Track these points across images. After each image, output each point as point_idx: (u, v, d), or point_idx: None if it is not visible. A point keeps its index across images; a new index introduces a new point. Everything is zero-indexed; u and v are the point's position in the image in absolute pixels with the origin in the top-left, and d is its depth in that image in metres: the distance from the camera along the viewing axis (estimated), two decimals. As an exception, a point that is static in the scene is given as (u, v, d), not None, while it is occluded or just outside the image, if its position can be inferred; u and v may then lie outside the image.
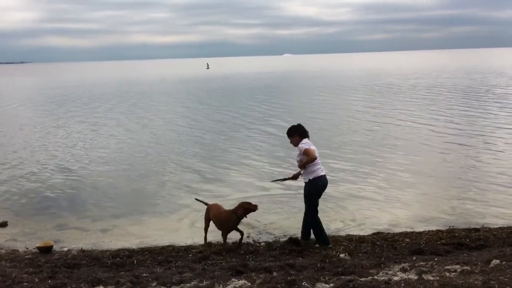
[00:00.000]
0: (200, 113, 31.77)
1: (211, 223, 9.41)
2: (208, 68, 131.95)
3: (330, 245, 8.87)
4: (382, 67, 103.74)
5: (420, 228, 10.14)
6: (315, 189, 8.84)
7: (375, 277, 6.99)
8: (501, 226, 10.07)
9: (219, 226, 9.19)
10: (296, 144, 8.94)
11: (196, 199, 10.63)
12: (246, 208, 8.91)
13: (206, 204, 9.85)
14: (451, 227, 10.10)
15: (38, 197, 13.52)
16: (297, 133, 8.95)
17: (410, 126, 23.27)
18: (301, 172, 8.97)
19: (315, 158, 8.65)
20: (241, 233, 9.17)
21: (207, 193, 13.28)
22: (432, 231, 9.84)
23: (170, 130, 25.01)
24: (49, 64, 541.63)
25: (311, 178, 8.76)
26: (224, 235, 9.11)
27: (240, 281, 6.96)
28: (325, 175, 8.91)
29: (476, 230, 9.79)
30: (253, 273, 7.39)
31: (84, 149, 20.17)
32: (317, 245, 8.94)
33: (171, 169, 16.29)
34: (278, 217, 11.23)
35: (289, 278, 6.96)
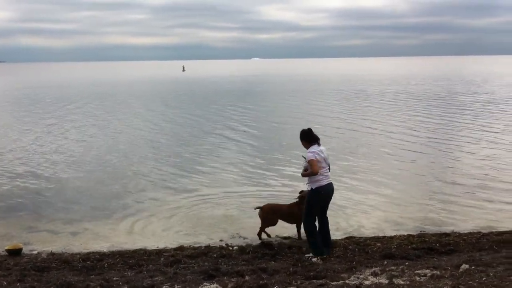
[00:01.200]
0: (168, 117, 31.57)
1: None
2: (184, 70, 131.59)
3: (325, 255, 8.66)
4: (356, 73, 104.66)
5: (391, 232, 10.24)
6: (316, 198, 8.63)
7: (347, 281, 7.02)
8: (471, 231, 10.22)
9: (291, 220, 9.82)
10: (306, 148, 8.77)
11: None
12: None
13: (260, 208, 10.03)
14: (422, 232, 10.22)
15: (7, 200, 13.28)
16: (304, 138, 8.76)
17: (377, 132, 23.45)
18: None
19: (317, 173, 8.42)
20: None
21: (176, 195, 13.28)
22: (403, 235, 9.94)
23: (136, 133, 24.76)
24: (24, 64, 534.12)
25: (313, 187, 8.58)
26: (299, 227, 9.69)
27: (212, 285, 6.94)
28: (329, 183, 8.65)
29: (446, 235, 9.92)
30: (225, 277, 7.37)
31: (53, 152, 19.88)
32: (310, 254, 8.67)
33: (142, 172, 16.17)
34: (251, 221, 11.21)
35: (261, 282, 6.97)
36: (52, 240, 10.21)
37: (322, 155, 8.57)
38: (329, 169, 8.70)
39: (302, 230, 9.21)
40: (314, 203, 8.65)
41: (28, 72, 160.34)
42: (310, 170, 8.45)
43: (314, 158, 8.45)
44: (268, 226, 9.94)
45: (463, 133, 22.66)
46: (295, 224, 9.87)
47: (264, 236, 10.00)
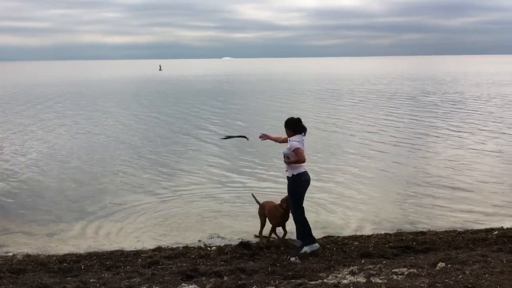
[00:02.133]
0: (141, 116, 31.44)
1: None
2: (160, 70, 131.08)
3: (316, 244, 8.80)
4: (330, 72, 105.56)
5: (369, 231, 10.31)
6: (298, 185, 8.71)
7: (325, 280, 7.06)
8: (447, 229, 10.34)
9: (270, 219, 9.61)
10: (288, 136, 8.82)
11: (252, 194, 10.55)
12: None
13: (258, 202, 10.09)
14: (399, 231, 10.31)
15: (-19, 200, 13.08)
16: (291, 127, 8.76)
17: (350, 131, 23.63)
18: (286, 168, 8.83)
19: (304, 161, 8.58)
20: (285, 231, 9.51)
21: (159, 192, 13.22)
22: (381, 234, 10.02)
23: (109, 133, 24.57)
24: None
25: (294, 173, 8.65)
26: (273, 229, 9.55)
27: (190, 286, 6.93)
28: (306, 172, 8.77)
29: (423, 233, 10.02)
30: (203, 278, 7.36)
31: (26, 152, 19.61)
32: (305, 248, 8.71)
33: (118, 173, 16.03)
34: (230, 220, 11.23)
35: (239, 282, 6.97)
36: (27, 242, 10.06)
37: (304, 145, 8.71)
38: None
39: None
40: (297, 188, 8.74)
41: (2, 71, 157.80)
42: (296, 158, 8.52)
43: (300, 146, 8.54)
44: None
45: (437, 133, 22.95)
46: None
47: (216, 237, 10.14)
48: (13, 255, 9.23)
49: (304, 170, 8.69)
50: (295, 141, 8.61)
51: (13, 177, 15.52)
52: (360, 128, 24.43)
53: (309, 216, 11.17)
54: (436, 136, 22.01)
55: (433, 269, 7.28)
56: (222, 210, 11.96)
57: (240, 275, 7.43)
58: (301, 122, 8.79)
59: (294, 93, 48.76)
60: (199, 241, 9.93)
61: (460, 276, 6.79)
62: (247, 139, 10.20)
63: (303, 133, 8.75)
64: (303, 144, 8.66)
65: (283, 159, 8.76)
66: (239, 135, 10.32)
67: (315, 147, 19.60)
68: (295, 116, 8.92)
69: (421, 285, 6.55)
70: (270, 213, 9.58)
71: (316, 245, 8.81)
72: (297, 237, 8.99)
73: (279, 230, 9.59)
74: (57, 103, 40.33)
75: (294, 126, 8.75)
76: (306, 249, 8.72)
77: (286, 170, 8.82)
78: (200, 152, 19.27)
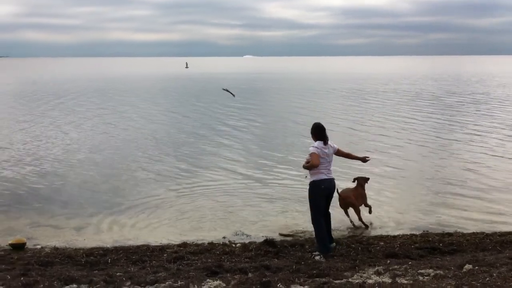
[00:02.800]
0: (171, 112, 31.66)
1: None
2: (187, 67, 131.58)
3: (330, 252, 8.68)
4: (354, 72, 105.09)
5: (394, 231, 10.23)
6: (316, 191, 8.66)
7: (350, 279, 7.03)
8: (474, 231, 10.19)
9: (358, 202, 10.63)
10: (313, 140, 8.85)
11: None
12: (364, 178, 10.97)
13: (339, 194, 10.45)
14: (425, 232, 10.21)
15: (11, 194, 13.32)
16: (315, 133, 8.81)
17: (378, 131, 23.42)
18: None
19: (317, 166, 8.49)
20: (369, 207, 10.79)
21: (184, 188, 13.32)
22: (407, 235, 9.93)
23: (138, 129, 24.83)
24: (27, 59, 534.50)
25: (311, 179, 8.69)
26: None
27: (215, 282, 6.95)
28: (331, 179, 8.73)
29: (450, 234, 9.90)
30: (228, 274, 7.38)
31: (58, 147, 19.92)
32: (315, 253, 8.60)
33: (145, 168, 16.19)
34: (255, 217, 11.26)
35: (264, 279, 6.97)
36: (55, 235, 10.24)
37: (326, 151, 8.65)
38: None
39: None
40: (315, 195, 8.71)
41: (31, 67, 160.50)
42: (310, 162, 8.53)
43: (315, 152, 8.55)
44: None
45: (463, 134, 22.62)
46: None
47: (241, 234, 10.22)
48: (42, 248, 9.39)
49: (325, 177, 8.66)
50: (313, 146, 8.66)
51: (41, 172, 15.77)
52: (383, 128, 24.20)
53: (336, 215, 11.21)
54: (462, 137, 21.67)
55: (460, 271, 7.20)
56: (247, 207, 12.00)
57: (265, 272, 7.44)
58: (324, 131, 8.79)
59: (317, 91, 48.61)
60: (224, 237, 9.97)
61: (487, 279, 6.70)
62: (234, 95, 10.76)
63: (324, 142, 8.70)
64: (322, 150, 8.62)
65: (303, 163, 8.78)
66: (230, 91, 10.99)
67: (344, 144, 19.52)
68: (320, 122, 8.97)
69: (448, 287, 6.48)
70: (355, 196, 10.60)
71: (328, 253, 8.64)
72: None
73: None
74: (85, 99, 40.98)
75: (318, 133, 8.79)
76: (317, 257, 8.50)
77: (306, 177, 8.87)
78: (223, 149, 19.35)
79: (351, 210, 10.67)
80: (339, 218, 10.99)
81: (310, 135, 8.94)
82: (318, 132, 8.77)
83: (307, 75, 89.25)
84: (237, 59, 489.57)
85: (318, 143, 8.68)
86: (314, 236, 9.47)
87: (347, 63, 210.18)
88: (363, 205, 10.81)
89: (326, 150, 8.68)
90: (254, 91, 51.71)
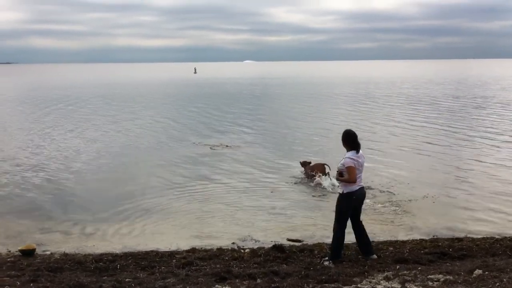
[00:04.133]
0: (178, 117, 31.75)
1: None
2: (195, 72, 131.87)
3: (340, 259, 8.49)
4: (360, 76, 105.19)
5: (404, 237, 10.19)
6: (347, 203, 8.38)
7: (359, 285, 7.01)
8: (484, 236, 10.15)
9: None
10: (346, 149, 8.48)
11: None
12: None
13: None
14: (435, 237, 10.17)
15: (21, 200, 13.39)
16: (347, 141, 8.43)
17: (387, 134, 23.39)
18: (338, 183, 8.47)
19: (354, 182, 8.19)
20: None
21: (193, 193, 13.34)
22: (416, 240, 9.89)
23: (147, 134, 24.92)
24: (34, 65, 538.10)
25: (345, 191, 8.34)
26: None
27: (224, 288, 6.95)
28: (361, 187, 8.43)
29: (459, 239, 9.86)
30: (237, 280, 7.38)
31: (67, 153, 20.00)
32: (326, 258, 8.52)
33: (154, 173, 16.23)
34: (263, 223, 11.26)
35: (273, 285, 6.97)
36: (65, 241, 10.27)
37: (360, 161, 8.34)
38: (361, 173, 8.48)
39: None
40: (345, 207, 8.42)
41: (38, 73, 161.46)
42: (347, 177, 8.22)
43: (353, 165, 8.20)
44: None
45: (470, 137, 22.55)
46: None
47: (249, 239, 10.19)
48: (51, 254, 9.43)
49: (357, 187, 8.34)
50: (348, 158, 8.29)
51: (50, 178, 15.83)
52: (389, 131, 24.14)
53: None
54: (469, 141, 21.61)
55: (470, 276, 7.16)
56: (256, 213, 12.00)
57: (274, 278, 7.43)
58: (357, 138, 8.43)
59: (321, 96, 48.68)
60: (233, 243, 9.97)
61: (498, 284, 6.67)
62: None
63: (357, 150, 8.35)
64: (357, 160, 8.29)
65: (336, 175, 8.51)
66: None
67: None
68: (352, 129, 8.63)
69: (458, 292, 6.45)
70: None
71: (329, 262, 8.44)
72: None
73: None
74: (93, 104, 41.13)
75: (349, 141, 8.41)
76: (326, 263, 8.43)
77: (338, 186, 8.51)
78: (231, 154, 19.34)
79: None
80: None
81: (343, 145, 8.52)
82: (351, 140, 8.41)
83: (317, 79, 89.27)
84: (244, 64, 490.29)
85: (352, 154, 8.33)
86: (323, 241, 9.49)
87: (355, 67, 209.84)
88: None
89: (360, 160, 8.35)
90: (266, 95, 51.82)
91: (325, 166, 15.02)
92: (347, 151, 8.42)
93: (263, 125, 27.63)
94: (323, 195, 13.53)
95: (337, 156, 18.20)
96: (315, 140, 22.44)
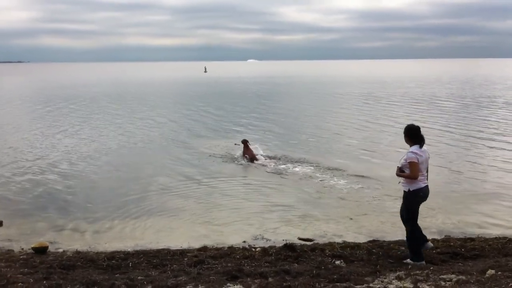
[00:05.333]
0: (188, 116, 31.81)
1: None
2: (206, 72, 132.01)
3: (423, 262, 8.29)
4: (370, 75, 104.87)
5: (416, 236, 10.13)
6: (414, 199, 8.19)
7: (371, 284, 6.99)
8: (497, 236, 10.10)
9: None
10: (408, 144, 8.24)
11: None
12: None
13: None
14: (447, 236, 10.13)
15: (34, 198, 13.48)
16: (410, 135, 8.17)
17: (394, 132, 23.20)
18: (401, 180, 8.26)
19: (416, 178, 7.95)
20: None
21: (204, 192, 13.36)
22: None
23: (158, 134, 24.99)
24: (46, 64, 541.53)
25: (411, 189, 8.10)
26: None
27: (235, 286, 6.96)
28: (427, 186, 8.19)
29: (472, 239, 9.81)
30: (248, 278, 7.37)
31: (79, 151, 20.11)
32: (408, 260, 8.38)
33: (165, 172, 16.28)
34: (275, 222, 11.25)
35: (284, 284, 6.96)
36: (77, 239, 10.36)
37: (423, 157, 8.07)
38: (427, 171, 8.26)
39: None
40: (413, 204, 8.25)
41: (50, 72, 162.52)
42: (409, 173, 8.00)
43: (416, 160, 7.95)
44: None
45: (480, 138, 22.39)
46: None
47: (261, 238, 10.21)
48: (64, 251, 9.49)
49: (424, 185, 8.12)
50: (412, 152, 8.02)
51: (63, 176, 15.93)
52: (400, 132, 23.94)
53: (355, 219, 11.16)
54: (482, 141, 21.48)
55: (482, 276, 7.11)
56: (266, 211, 12.01)
57: (285, 277, 7.42)
58: (420, 131, 8.16)
59: (328, 95, 48.60)
60: (244, 241, 9.99)
61: (510, 284, 6.61)
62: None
63: (421, 144, 8.10)
64: (421, 156, 8.02)
65: (396, 170, 8.26)
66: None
67: (363, 146, 19.45)
68: (416, 124, 8.35)
69: (470, 292, 6.42)
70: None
71: (423, 263, 8.27)
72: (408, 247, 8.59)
73: None
74: (105, 103, 41.37)
75: (411, 135, 8.17)
76: (407, 260, 8.36)
77: (399, 182, 8.30)
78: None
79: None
80: (358, 224, 10.98)
81: (405, 140, 8.30)
82: (414, 134, 8.14)
83: (327, 79, 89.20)
84: (254, 63, 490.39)
85: (415, 148, 8.05)
86: (334, 241, 9.46)
87: (365, 66, 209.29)
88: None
89: (424, 155, 8.05)
90: (279, 94, 51.82)
91: (257, 156, 17.81)
92: (410, 146, 8.18)
93: (273, 125, 27.60)
94: (337, 196, 13.41)
95: (335, 153, 18.30)
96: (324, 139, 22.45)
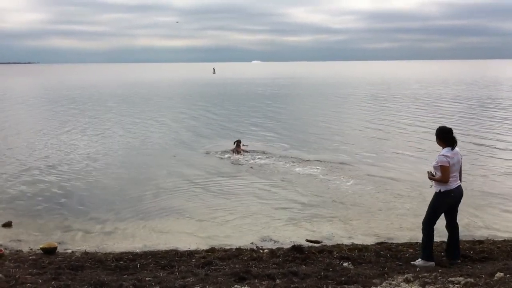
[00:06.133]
0: (200, 117, 31.88)
1: None
2: (214, 73, 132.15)
3: (432, 263, 8.28)
4: (377, 76, 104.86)
5: (424, 238, 10.10)
6: (443, 201, 8.16)
7: (379, 287, 6.98)
8: (506, 238, 10.03)
9: None
10: (440, 146, 8.19)
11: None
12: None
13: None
14: (455, 239, 10.05)
15: (42, 199, 13.54)
16: (441, 137, 8.13)
17: (401, 134, 23.22)
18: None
19: (447, 182, 7.93)
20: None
21: (212, 193, 13.39)
22: (436, 242, 9.71)
23: (167, 134, 25.05)
24: (56, 65, 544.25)
25: (442, 190, 8.09)
26: None
27: (243, 288, 6.97)
28: (459, 186, 8.16)
29: (480, 242, 9.76)
30: (256, 280, 7.38)
31: (88, 153, 20.20)
32: (418, 261, 8.38)
33: (173, 173, 16.32)
34: (283, 223, 11.26)
35: (292, 285, 6.97)
36: (86, 240, 10.40)
37: (455, 159, 8.04)
38: (460, 172, 8.23)
39: None
40: (440, 205, 8.23)
41: (60, 73, 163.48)
42: (439, 176, 7.98)
43: (447, 164, 7.91)
44: None
45: (487, 140, 22.26)
46: None
47: (268, 240, 10.19)
48: (72, 252, 9.54)
49: (455, 185, 8.10)
50: (443, 155, 7.98)
51: (72, 176, 16.01)
52: (406, 132, 23.93)
53: (363, 221, 11.14)
54: (490, 142, 21.37)
55: (491, 279, 7.08)
56: (274, 213, 12.01)
57: (293, 278, 7.42)
58: (452, 133, 8.09)
59: (335, 96, 48.60)
60: (252, 243, 9.99)
61: (520, 287, 6.59)
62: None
63: (453, 147, 8.06)
64: (453, 158, 7.98)
65: (428, 174, 8.23)
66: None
67: (370, 149, 19.42)
68: (447, 126, 8.31)
69: (479, 295, 6.39)
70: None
71: (432, 264, 8.27)
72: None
73: None
74: (115, 104, 41.52)
75: (445, 137, 8.11)
76: (420, 262, 8.34)
77: (431, 186, 8.29)
78: (252, 154, 19.27)
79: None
80: (366, 226, 10.95)
81: (437, 142, 8.27)
82: (445, 136, 8.09)
83: (337, 80, 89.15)
84: (264, 64, 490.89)
85: (447, 151, 8.01)
86: (342, 242, 9.44)
87: (373, 68, 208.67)
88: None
89: (455, 157, 8.02)
90: (284, 95, 51.81)
91: (241, 154, 19.02)
92: (442, 148, 8.13)
93: (281, 125, 27.59)
94: (345, 197, 13.37)
95: (342, 154, 18.26)
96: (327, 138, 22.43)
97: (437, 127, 8.39)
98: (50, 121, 30.38)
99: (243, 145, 19.93)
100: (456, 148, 8.10)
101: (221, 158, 18.74)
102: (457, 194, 8.21)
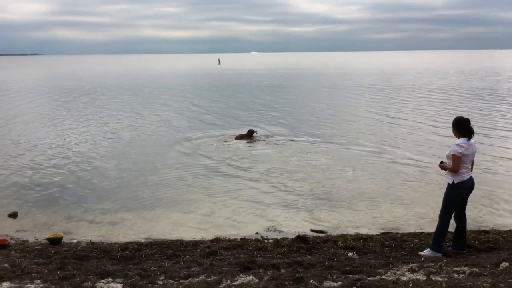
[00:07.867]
0: (204, 107, 31.87)
1: None
2: (219, 63, 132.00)
3: (439, 255, 8.22)
4: (377, 66, 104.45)
5: (429, 229, 10.06)
6: (457, 192, 8.11)
7: (383, 276, 6.98)
8: (511, 228, 10.01)
9: None
10: (456, 137, 8.11)
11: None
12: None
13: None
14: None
15: (48, 189, 13.59)
16: (458, 127, 8.03)
17: (412, 125, 23.16)
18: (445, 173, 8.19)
19: (457, 171, 7.90)
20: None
21: (217, 184, 13.41)
22: (441, 231, 9.78)
23: (171, 126, 25.02)
24: (61, 56, 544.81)
25: (455, 181, 8.03)
26: None
27: (248, 277, 6.97)
28: (471, 177, 8.12)
29: (486, 232, 9.74)
30: (261, 270, 7.39)
31: (94, 143, 20.26)
32: (425, 251, 8.35)
33: (178, 163, 16.34)
34: (287, 213, 11.27)
35: (296, 275, 6.97)
36: (91, 230, 10.43)
37: (470, 150, 7.99)
38: (472, 164, 8.19)
39: None
40: (454, 197, 8.17)
41: (67, 64, 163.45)
42: (450, 165, 7.97)
43: (459, 154, 7.86)
44: None
45: (494, 130, 22.18)
46: None
47: (273, 230, 10.24)
48: (78, 242, 9.58)
49: (468, 177, 8.07)
50: (457, 145, 7.93)
51: (77, 166, 16.05)
52: (416, 122, 23.90)
53: (367, 212, 11.14)
54: (493, 132, 21.29)
55: (496, 269, 7.08)
56: (279, 203, 12.01)
57: (297, 268, 7.43)
58: (469, 124, 8.01)
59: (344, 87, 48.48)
60: (256, 233, 10.01)
61: (525, 277, 6.58)
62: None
63: (469, 137, 7.98)
64: (467, 149, 7.91)
65: (439, 163, 8.23)
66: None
67: (376, 138, 19.38)
68: (465, 116, 8.21)
69: (483, 284, 6.39)
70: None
71: (439, 255, 8.21)
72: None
73: None
74: (119, 95, 41.52)
75: (461, 127, 8.02)
76: (427, 252, 8.30)
77: (445, 175, 8.23)
78: (255, 144, 19.32)
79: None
80: (370, 215, 10.95)
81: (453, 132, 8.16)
82: (462, 127, 8.00)
83: (336, 70, 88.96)
84: (270, 55, 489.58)
85: (462, 141, 7.95)
86: (347, 233, 9.43)
87: (377, 58, 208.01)
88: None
89: (470, 148, 7.97)
90: (287, 87, 51.72)
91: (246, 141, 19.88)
92: (458, 138, 8.08)
93: (286, 116, 27.55)
94: (350, 187, 13.37)
95: (348, 144, 18.24)
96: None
97: (454, 117, 8.30)
98: (54, 112, 30.42)
99: (255, 135, 20.47)
100: (472, 140, 8.04)
101: (227, 147, 18.73)
102: (470, 185, 8.18)
